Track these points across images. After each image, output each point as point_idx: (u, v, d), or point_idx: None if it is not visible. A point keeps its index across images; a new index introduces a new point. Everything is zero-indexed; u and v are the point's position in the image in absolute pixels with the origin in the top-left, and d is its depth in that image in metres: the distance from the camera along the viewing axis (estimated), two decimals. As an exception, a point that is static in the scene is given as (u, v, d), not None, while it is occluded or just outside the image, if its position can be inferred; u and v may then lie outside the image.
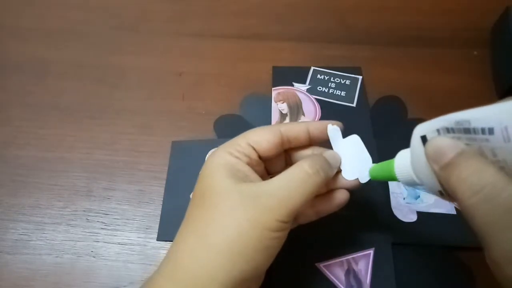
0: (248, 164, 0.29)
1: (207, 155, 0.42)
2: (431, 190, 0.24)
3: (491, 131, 0.19)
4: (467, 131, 0.20)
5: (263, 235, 0.25)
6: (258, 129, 0.31)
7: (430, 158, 0.22)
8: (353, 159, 0.30)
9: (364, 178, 0.30)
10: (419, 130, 0.23)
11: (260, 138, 0.30)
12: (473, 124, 0.20)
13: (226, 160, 0.28)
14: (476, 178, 0.20)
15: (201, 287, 0.25)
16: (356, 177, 0.30)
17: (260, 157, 0.30)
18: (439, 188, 0.23)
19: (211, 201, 0.27)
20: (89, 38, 0.53)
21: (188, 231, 0.27)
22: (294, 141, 0.31)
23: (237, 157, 0.29)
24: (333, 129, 0.31)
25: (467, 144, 0.21)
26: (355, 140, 0.31)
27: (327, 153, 0.30)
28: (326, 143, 0.32)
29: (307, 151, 0.32)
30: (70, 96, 0.48)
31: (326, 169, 0.28)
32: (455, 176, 0.21)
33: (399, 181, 0.27)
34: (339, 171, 0.31)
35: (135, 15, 0.55)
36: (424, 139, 0.23)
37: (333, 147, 0.31)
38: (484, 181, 0.19)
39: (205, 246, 0.26)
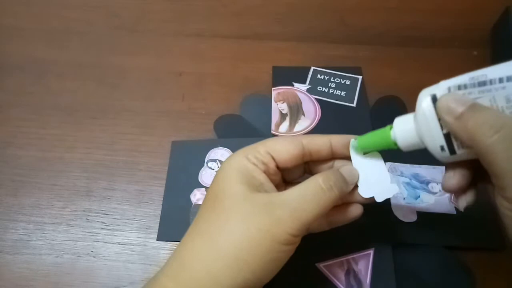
0: (265, 172, 0.29)
1: (207, 155, 0.42)
2: (432, 147, 0.25)
3: (509, 78, 0.22)
4: (482, 83, 0.23)
5: (272, 247, 0.25)
6: (280, 138, 0.30)
7: (444, 111, 0.23)
8: (371, 177, 0.30)
9: (380, 197, 0.29)
10: (427, 91, 0.25)
11: (281, 148, 0.29)
12: (490, 76, 0.23)
13: (242, 165, 0.28)
14: (495, 120, 0.21)
15: None
16: (371, 196, 0.29)
17: (277, 166, 0.30)
18: (441, 143, 0.24)
19: (224, 206, 0.27)
20: (89, 38, 0.53)
21: (197, 233, 0.27)
22: (315, 154, 0.30)
23: (254, 164, 0.28)
24: (356, 143, 0.30)
25: (477, 99, 0.23)
26: (375, 157, 0.30)
27: (344, 168, 0.30)
28: (348, 158, 0.31)
29: (328, 163, 0.31)
30: (70, 96, 0.48)
31: (340, 185, 0.28)
32: (473, 121, 0.22)
33: (394, 147, 0.27)
34: (356, 185, 0.30)
35: (135, 15, 0.55)
36: (434, 98, 0.24)
37: (352, 162, 0.30)
38: (503, 121, 0.21)
39: (213, 250, 0.25)
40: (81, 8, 0.56)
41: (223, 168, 0.28)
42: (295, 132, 0.43)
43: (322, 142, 0.30)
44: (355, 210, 0.30)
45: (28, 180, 0.41)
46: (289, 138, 0.30)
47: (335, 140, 0.30)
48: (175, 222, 0.38)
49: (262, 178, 0.28)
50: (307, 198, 0.26)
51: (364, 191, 0.30)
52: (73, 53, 0.51)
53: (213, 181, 0.29)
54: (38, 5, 0.56)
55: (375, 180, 0.30)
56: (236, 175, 0.27)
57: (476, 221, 0.37)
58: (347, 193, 0.29)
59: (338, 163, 0.31)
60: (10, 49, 0.52)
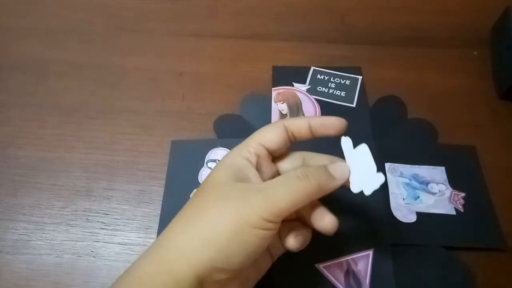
0: (258, 163, 0.30)
1: (207, 155, 0.42)
2: None
3: None
4: None
5: (241, 229, 0.26)
6: (264, 127, 0.32)
7: None
8: (361, 171, 0.29)
9: (368, 190, 0.29)
10: None
11: (268, 135, 0.31)
12: None
13: (234, 161, 0.30)
14: None
15: (174, 268, 0.26)
16: (360, 189, 0.29)
17: (270, 154, 0.31)
18: None
19: (205, 193, 0.29)
20: (89, 38, 0.53)
21: (177, 218, 0.29)
22: (297, 135, 0.31)
23: (246, 159, 0.30)
24: (345, 140, 0.30)
25: None
26: (363, 150, 0.30)
27: (333, 165, 0.30)
28: (329, 139, 0.31)
29: (325, 161, 0.32)
30: (70, 96, 0.48)
31: (319, 178, 0.28)
32: None
33: None
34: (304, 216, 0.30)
35: (135, 15, 0.55)
36: None
37: (345, 158, 0.30)
38: None
39: (186, 231, 0.27)
40: (81, 8, 0.56)
41: (217, 165, 0.30)
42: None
43: (302, 122, 0.31)
44: (288, 243, 0.30)
45: (28, 180, 0.41)
46: (273, 124, 0.32)
47: (314, 121, 0.31)
48: (175, 222, 0.38)
49: (251, 173, 0.29)
50: (281, 185, 0.27)
51: (353, 186, 0.29)
52: (73, 53, 0.51)
53: (207, 176, 0.30)
54: (38, 5, 0.56)
55: (363, 173, 0.29)
56: (225, 169, 0.29)
57: (476, 221, 0.37)
58: (330, 188, 0.29)
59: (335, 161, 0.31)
60: (10, 49, 0.52)
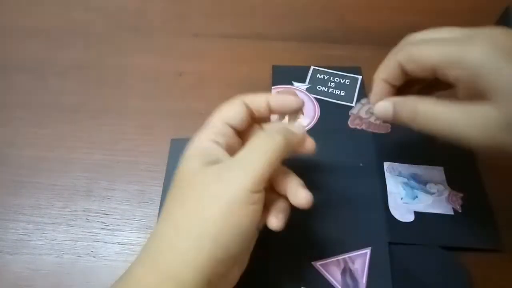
0: (227, 143, 0.30)
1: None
2: None
3: None
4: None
5: (229, 211, 0.25)
6: (226, 105, 0.32)
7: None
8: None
9: None
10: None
11: (233, 113, 0.31)
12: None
13: (202, 145, 0.29)
14: None
15: (176, 274, 0.25)
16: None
17: (237, 132, 0.31)
18: None
19: (184, 189, 0.28)
20: (89, 38, 0.53)
21: (163, 220, 0.28)
22: (257, 111, 0.32)
23: (213, 141, 0.29)
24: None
25: None
26: None
27: (290, 124, 0.32)
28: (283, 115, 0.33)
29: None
30: (70, 96, 0.48)
31: (284, 132, 0.29)
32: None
33: None
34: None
35: (135, 15, 0.55)
36: None
37: None
38: None
39: (177, 233, 0.26)
40: (81, 8, 0.56)
41: (185, 153, 0.29)
42: (294, 132, 0.43)
43: (260, 99, 0.32)
44: (274, 223, 0.29)
45: (28, 180, 0.42)
46: (235, 101, 0.32)
47: (272, 98, 0.32)
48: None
49: (220, 153, 0.29)
50: (252, 150, 0.28)
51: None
52: (73, 53, 0.52)
53: (177, 167, 0.29)
54: (38, 5, 0.56)
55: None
56: (194, 157, 0.29)
57: (473, 222, 0.37)
58: (295, 142, 0.30)
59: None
60: (10, 49, 0.52)
